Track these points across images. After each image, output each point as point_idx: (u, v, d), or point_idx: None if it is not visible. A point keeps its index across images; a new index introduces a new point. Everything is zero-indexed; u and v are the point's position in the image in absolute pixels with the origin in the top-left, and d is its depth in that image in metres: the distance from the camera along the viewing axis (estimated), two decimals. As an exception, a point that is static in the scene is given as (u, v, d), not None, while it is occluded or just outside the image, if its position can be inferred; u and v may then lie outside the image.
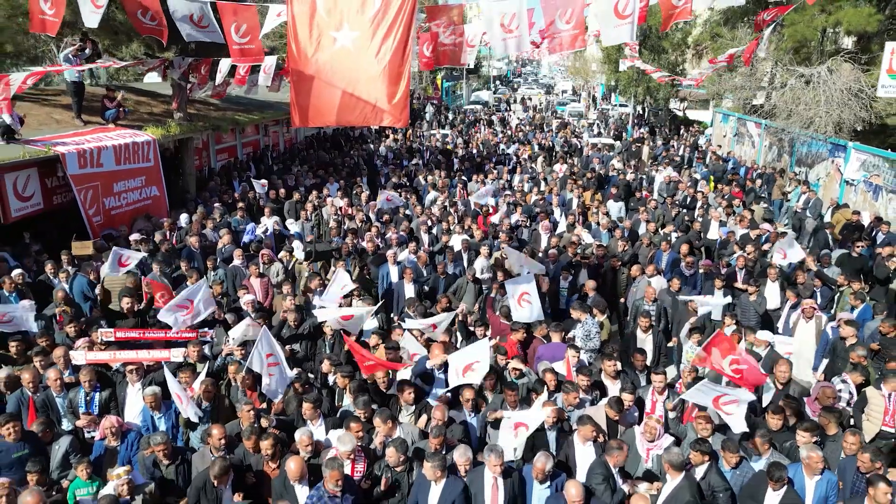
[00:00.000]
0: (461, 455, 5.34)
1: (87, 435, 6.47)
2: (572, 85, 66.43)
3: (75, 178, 11.72)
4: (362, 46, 5.97)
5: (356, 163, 21.87)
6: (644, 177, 20.53)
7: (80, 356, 6.61)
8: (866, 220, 13.74)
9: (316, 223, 13.87)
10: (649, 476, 5.71)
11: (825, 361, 8.19)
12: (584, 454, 5.71)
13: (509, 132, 32.37)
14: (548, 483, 5.30)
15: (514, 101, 58.34)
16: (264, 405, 6.58)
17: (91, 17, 9.13)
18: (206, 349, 7.37)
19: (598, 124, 38.30)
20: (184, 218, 13.04)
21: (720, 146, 26.56)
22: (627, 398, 6.26)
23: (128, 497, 4.97)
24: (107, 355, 6.83)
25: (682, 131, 33.55)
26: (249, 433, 5.56)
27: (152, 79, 22.36)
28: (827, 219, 14.98)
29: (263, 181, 15.04)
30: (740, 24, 24.16)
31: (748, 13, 23.45)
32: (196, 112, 16.68)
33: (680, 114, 41.81)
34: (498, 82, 73.88)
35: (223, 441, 5.51)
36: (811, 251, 12.48)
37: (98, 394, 6.55)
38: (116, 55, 17.67)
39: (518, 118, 40.52)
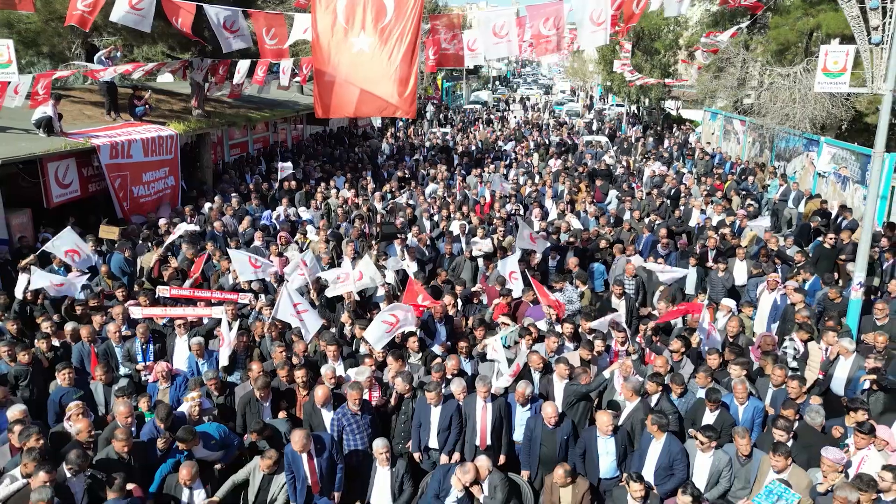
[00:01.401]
0: (457, 385, 6.52)
1: (142, 378, 7.64)
2: (570, 85, 67.63)
3: (109, 167, 12.91)
4: (376, 50, 7.12)
5: (360, 158, 23.05)
6: (635, 171, 21.88)
7: (137, 311, 7.78)
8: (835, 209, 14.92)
9: (325, 212, 15.06)
10: (615, 406, 6.87)
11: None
12: (560, 388, 6.88)
13: (507, 131, 33.57)
14: (528, 406, 6.48)
15: (514, 101, 59.51)
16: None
17: (122, 15, 9.91)
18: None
19: (595, 122, 39.46)
20: (208, 206, 14.24)
21: (709, 143, 27.75)
22: (599, 344, 7.44)
23: (197, 416, 6.14)
24: (159, 310, 8.02)
25: (674, 129, 34.72)
26: (283, 365, 6.76)
27: (164, 78, 23.60)
28: (801, 208, 16.17)
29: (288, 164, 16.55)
30: (729, 27, 25.30)
31: (736, 15, 24.61)
32: (212, 109, 17.86)
33: (674, 113, 42.96)
34: (497, 82, 75.10)
35: (261, 373, 6.69)
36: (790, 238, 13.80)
37: (152, 344, 7.73)
38: (129, 56, 18.87)
39: (516, 118, 41.65)
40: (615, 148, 27.79)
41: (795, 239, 13.78)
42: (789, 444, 5.63)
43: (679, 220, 14.82)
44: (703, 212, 15.15)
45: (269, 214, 14.19)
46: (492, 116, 41.28)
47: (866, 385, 7.02)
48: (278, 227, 13.32)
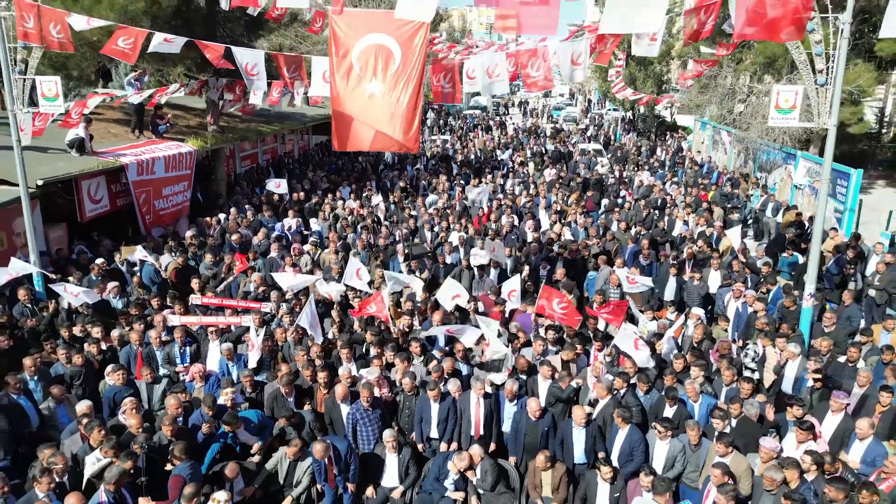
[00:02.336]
0: (453, 384, 7.64)
1: (180, 378, 8.74)
2: (569, 88, 68.66)
3: (135, 183, 14.01)
4: (385, 95, 8.24)
5: (364, 168, 24.13)
6: (627, 180, 22.99)
7: (175, 319, 8.90)
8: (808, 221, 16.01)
9: (333, 222, 16.13)
10: (594, 402, 7.96)
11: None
12: (544, 388, 7.97)
13: (505, 138, 34.62)
14: (515, 402, 7.58)
15: (513, 105, 60.56)
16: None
17: (156, 46, 11.05)
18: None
19: (591, 128, 40.51)
20: (222, 216, 15.32)
21: (699, 151, 28.86)
22: (578, 347, 8.55)
23: (229, 406, 7.26)
24: (195, 318, 9.14)
25: (667, 137, 35.81)
26: (306, 366, 7.88)
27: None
28: (778, 219, 17.27)
29: (278, 181, 17.50)
30: (719, 38, 26.33)
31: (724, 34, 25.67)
32: (225, 124, 18.95)
33: (669, 118, 44.04)
34: (497, 85, 76.00)
35: (288, 372, 7.80)
36: (767, 247, 14.87)
37: (188, 348, 8.85)
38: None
39: (514, 124, 42.64)
40: (609, 156, 28.82)
41: (770, 248, 14.89)
42: (727, 430, 6.75)
43: (663, 231, 15.88)
44: (685, 223, 16.25)
45: (280, 226, 15.24)
46: (491, 123, 42.34)
47: (810, 383, 8.12)
48: (290, 237, 14.40)
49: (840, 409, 7.15)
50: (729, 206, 18.84)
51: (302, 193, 18.02)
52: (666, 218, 16.81)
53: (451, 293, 9.78)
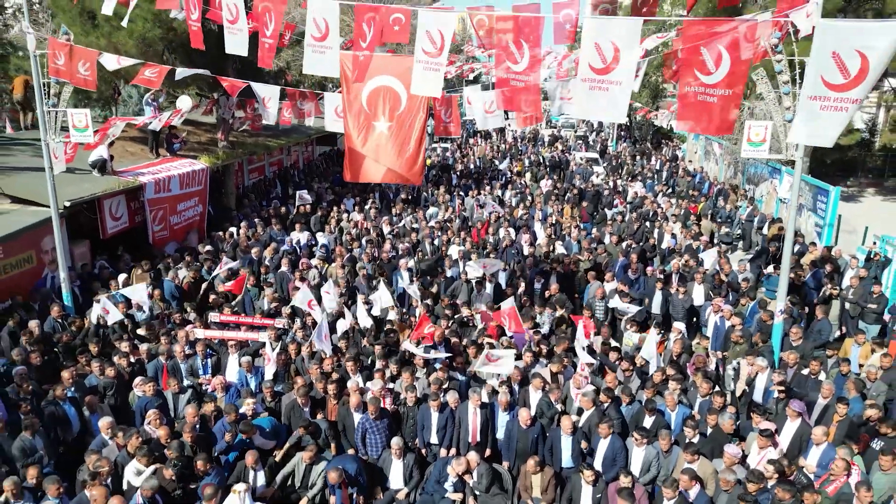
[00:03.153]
0: (451, 395, 8.47)
1: (202, 388, 9.56)
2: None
3: (151, 201, 14.82)
4: (393, 133, 9.09)
5: (367, 178, 24.89)
6: (621, 189, 23.78)
7: (200, 333, 9.75)
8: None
9: (338, 235, 16.91)
10: (581, 411, 8.78)
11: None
12: (535, 398, 8.80)
13: (505, 145, 35.35)
14: (508, 411, 8.41)
15: (512, 109, 61.07)
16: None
17: (180, 72, 12.07)
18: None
19: (591, 136, 41.19)
20: (233, 230, 16.14)
21: (690, 161, 29.66)
22: (565, 360, 9.40)
23: (251, 416, 8.10)
24: (218, 333, 9.98)
25: (662, 146, 36.59)
26: (319, 379, 8.71)
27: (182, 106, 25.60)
28: (764, 230, 18.08)
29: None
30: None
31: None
32: (235, 140, 19.77)
33: (665, 125, 44.70)
34: (497, 90, 76.66)
35: (303, 385, 8.64)
36: (752, 260, 15.66)
37: (209, 360, 9.68)
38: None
39: (513, 130, 43.27)
40: (605, 164, 29.59)
41: (755, 260, 15.65)
42: (696, 439, 7.59)
43: (653, 246, 16.66)
44: (673, 236, 17.05)
45: (288, 240, 16.01)
46: (491, 129, 42.98)
47: (776, 394, 8.93)
48: (299, 251, 15.19)
49: (796, 417, 7.96)
50: (719, 219, 19.65)
51: (308, 206, 18.78)
52: (656, 231, 17.58)
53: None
